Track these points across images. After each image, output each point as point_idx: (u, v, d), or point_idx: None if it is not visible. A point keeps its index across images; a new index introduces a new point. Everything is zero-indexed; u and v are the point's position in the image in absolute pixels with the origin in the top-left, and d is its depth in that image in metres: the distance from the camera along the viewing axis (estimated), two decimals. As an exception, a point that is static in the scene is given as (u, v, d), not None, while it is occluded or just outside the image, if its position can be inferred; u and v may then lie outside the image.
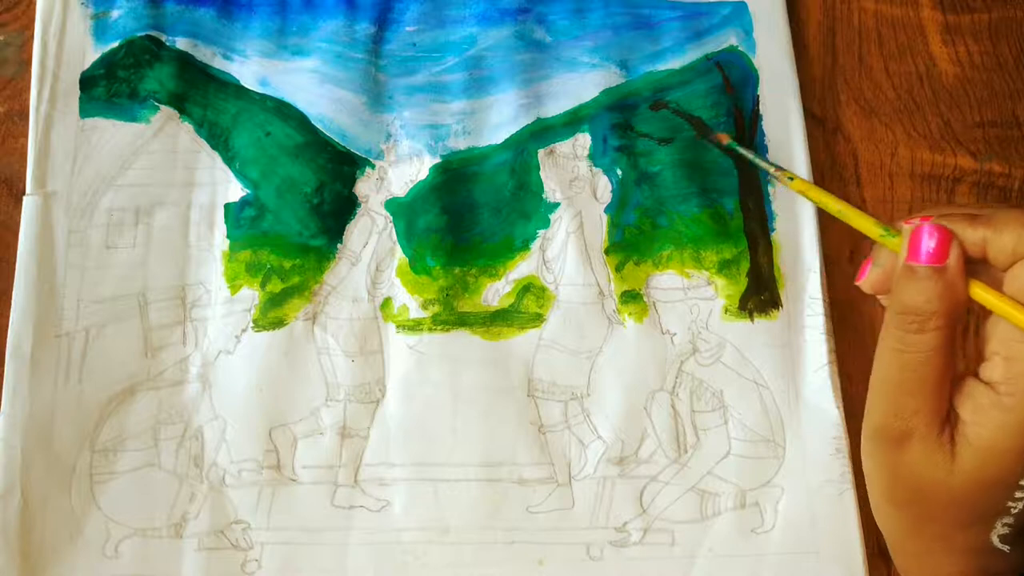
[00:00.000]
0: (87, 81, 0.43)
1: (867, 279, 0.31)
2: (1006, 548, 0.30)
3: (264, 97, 0.43)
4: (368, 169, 0.43)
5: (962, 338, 0.29)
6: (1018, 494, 0.29)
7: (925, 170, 0.45)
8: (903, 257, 0.29)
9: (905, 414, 0.30)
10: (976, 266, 0.29)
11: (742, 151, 0.37)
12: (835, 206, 0.32)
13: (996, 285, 0.28)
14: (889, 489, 0.32)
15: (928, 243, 0.28)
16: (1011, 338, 0.28)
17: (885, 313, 0.30)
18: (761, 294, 0.42)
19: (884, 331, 0.30)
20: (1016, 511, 0.29)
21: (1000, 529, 0.30)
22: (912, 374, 0.29)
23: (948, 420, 0.29)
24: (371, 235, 0.42)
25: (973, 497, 0.29)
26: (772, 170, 0.35)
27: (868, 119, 0.45)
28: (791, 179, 0.34)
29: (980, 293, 0.28)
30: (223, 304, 0.41)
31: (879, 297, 0.31)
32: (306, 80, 0.44)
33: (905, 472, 0.31)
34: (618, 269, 0.42)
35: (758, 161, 0.36)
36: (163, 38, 0.44)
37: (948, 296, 0.28)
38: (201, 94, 0.43)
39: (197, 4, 0.44)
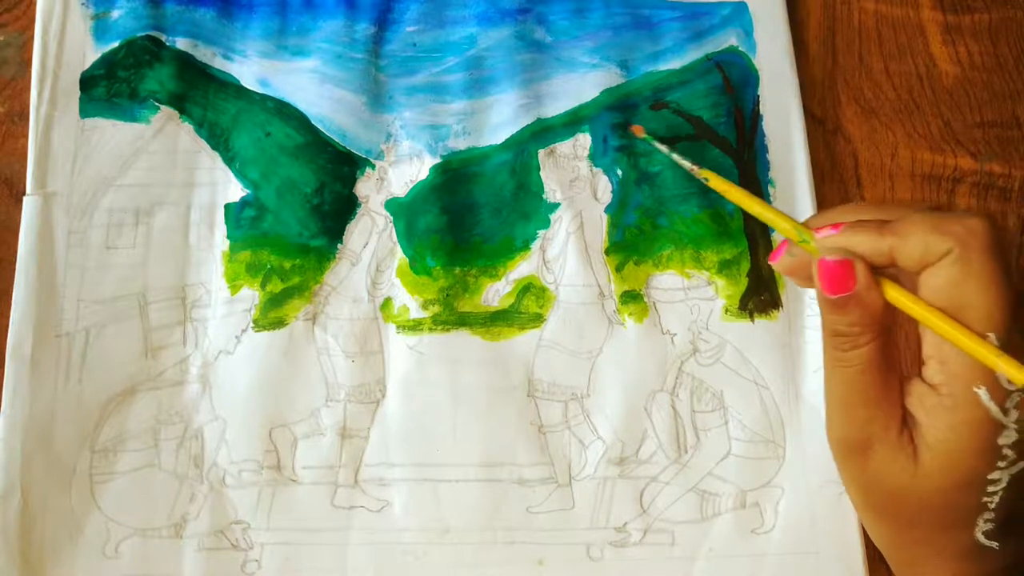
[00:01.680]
0: (87, 81, 0.43)
1: (780, 262, 0.32)
2: (994, 544, 0.30)
3: (264, 97, 0.43)
4: (368, 169, 0.43)
5: (906, 341, 0.31)
6: (990, 488, 0.29)
7: (925, 170, 0.45)
8: (816, 279, 0.30)
9: (860, 424, 0.31)
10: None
11: (657, 145, 0.37)
12: (755, 208, 0.33)
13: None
14: (864, 498, 0.33)
15: (833, 275, 0.29)
16: (940, 340, 0.28)
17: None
18: (761, 294, 0.42)
19: (823, 350, 0.31)
20: (994, 505, 0.29)
21: (983, 526, 0.30)
22: (855, 386, 0.30)
23: (905, 423, 0.30)
24: (371, 235, 0.42)
25: (945, 498, 0.30)
26: (688, 167, 0.35)
27: (868, 119, 0.45)
28: (707, 180, 0.34)
29: (896, 297, 0.29)
30: (223, 304, 0.41)
31: (788, 277, 0.33)
32: (306, 80, 0.44)
33: (874, 479, 0.31)
34: (618, 269, 0.42)
35: (674, 157, 0.35)
36: (163, 38, 0.44)
37: (866, 314, 0.29)
38: (201, 94, 0.43)
39: (197, 4, 0.44)
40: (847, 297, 0.29)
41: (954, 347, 0.28)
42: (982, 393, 0.28)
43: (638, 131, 0.39)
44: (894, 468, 0.30)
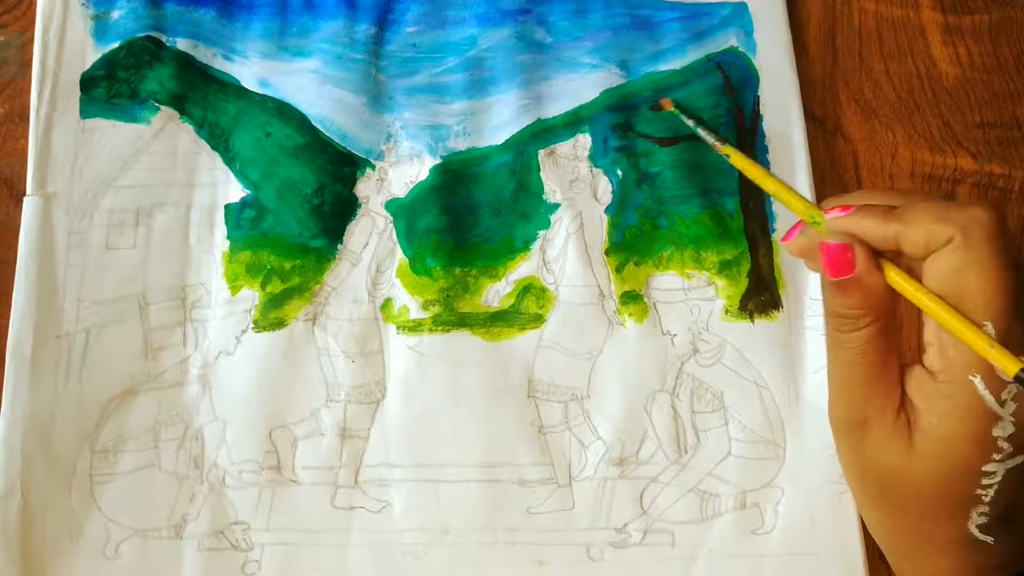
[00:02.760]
0: (87, 82, 0.43)
1: (792, 243, 0.33)
2: (989, 539, 0.30)
3: (264, 98, 0.43)
4: (368, 170, 0.43)
5: (911, 328, 0.31)
6: (984, 481, 0.29)
7: (925, 171, 0.45)
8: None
9: (858, 403, 0.31)
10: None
11: (684, 119, 0.38)
12: (772, 186, 0.34)
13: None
14: (860, 482, 0.33)
15: (834, 258, 0.30)
16: (941, 327, 0.29)
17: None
18: (761, 295, 0.42)
19: (826, 332, 0.32)
20: (988, 499, 0.29)
21: (977, 519, 0.30)
22: (854, 367, 0.31)
23: (903, 406, 0.31)
24: (371, 236, 0.42)
25: (937, 485, 0.30)
26: (711, 142, 0.36)
27: (868, 120, 0.45)
28: (728, 157, 0.35)
29: (896, 280, 0.30)
30: (223, 305, 0.41)
31: (800, 259, 0.34)
32: (306, 81, 0.44)
33: (870, 461, 0.32)
34: (618, 270, 0.42)
35: (699, 132, 0.37)
36: (163, 39, 0.44)
37: (865, 297, 0.30)
38: (201, 95, 0.43)
39: (197, 5, 0.44)
40: (848, 280, 0.30)
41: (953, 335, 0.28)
42: (977, 381, 0.28)
43: (666, 104, 0.40)
44: (889, 450, 0.30)
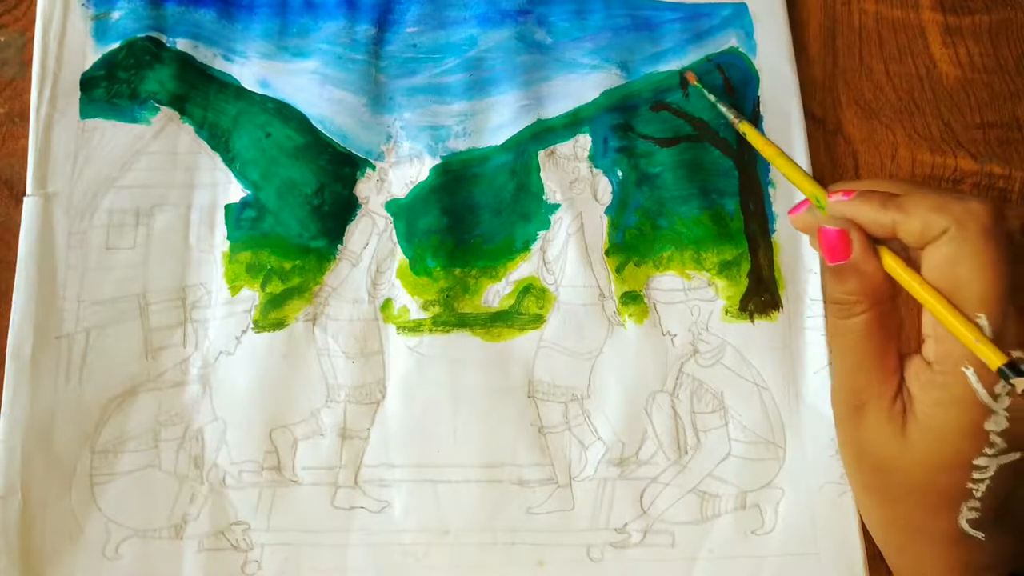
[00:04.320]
0: (87, 82, 0.43)
1: (799, 216, 0.34)
2: (980, 535, 0.30)
3: (264, 98, 0.43)
4: (368, 170, 0.43)
5: (915, 318, 0.32)
6: (975, 475, 0.29)
7: (925, 171, 0.45)
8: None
9: (856, 388, 0.32)
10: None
11: (706, 94, 0.40)
12: (784, 166, 0.35)
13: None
14: (857, 468, 0.34)
15: (831, 243, 0.31)
16: None
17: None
18: (762, 295, 0.42)
19: (826, 318, 0.34)
20: (979, 494, 0.29)
21: (968, 514, 0.30)
22: (852, 353, 0.31)
23: (900, 393, 0.31)
24: (371, 236, 0.42)
25: (928, 475, 0.30)
26: (731, 118, 0.38)
27: (868, 120, 0.45)
28: (744, 134, 0.37)
29: (892, 267, 0.30)
30: (223, 305, 0.41)
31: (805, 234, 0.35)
32: (306, 81, 0.44)
33: (865, 445, 0.32)
34: (618, 270, 0.42)
35: (720, 106, 0.39)
36: (163, 39, 0.44)
37: (862, 283, 0.30)
38: (202, 95, 0.43)
39: (198, 5, 0.44)
40: (844, 265, 0.30)
41: None
42: (970, 374, 0.28)
43: (691, 78, 0.41)
44: (883, 436, 0.31)
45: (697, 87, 0.40)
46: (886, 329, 0.31)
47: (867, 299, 0.30)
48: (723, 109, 0.37)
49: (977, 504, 0.30)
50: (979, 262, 0.28)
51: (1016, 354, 0.26)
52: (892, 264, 0.30)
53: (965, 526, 0.30)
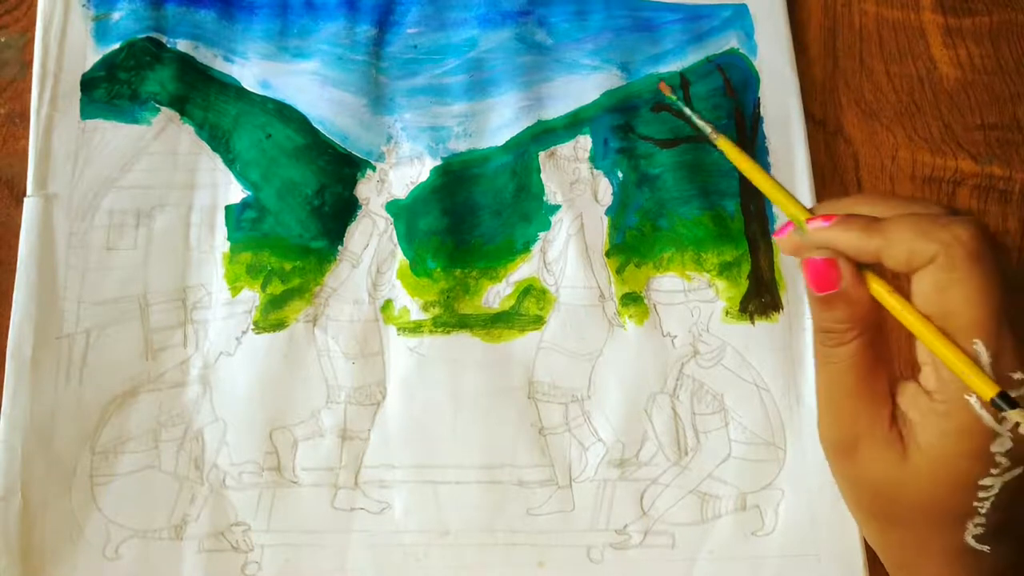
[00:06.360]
0: (88, 83, 0.43)
1: (785, 239, 0.32)
2: (985, 548, 0.30)
3: (265, 99, 0.43)
4: (369, 171, 0.43)
5: (903, 342, 0.31)
6: (981, 494, 0.29)
7: (926, 173, 0.45)
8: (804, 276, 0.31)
9: (847, 421, 0.31)
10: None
11: (683, 107, 0.36)
12: (763, 184, 0.32)
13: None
14: (855, 497, 0.33)
15: (818, 274, 0.30)
16: None
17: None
18: (762, 297, 0.42)
19: (813, 347, 0.32)
20: (984, 511, 0.29)
21: (973, 530, 0.30)
22: (842, 382, 0.31)
23: (895, 420, 0.30)
24: (372, 237, 0.42)
25: (933, 499, 0.30)
26: (709, 132, 0.34)
27: (869, 122, 0.45)
28: (719, 148, 0.34)
29: (880, 293, 0.29)
30: (224, 306, 0.41)
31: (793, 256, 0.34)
32: (307, 82, 0.44)
33: (862, 476, 0.31)
34: (619, 271, 0.42)
35: (694, 119, 0.35)
36: (164, 40, 0.44)
37: (851, 311, 0.30)
38: (202, 96, 0.43)
39: (198, 6, 0.44)
40: (833, 294, 0.30)
41: None
42: (973, 401, 0.27)
43: (664, 89, 0.39)
44: (881, 464, 0.30)
45: (671, 99, 0.38)
46: (876, 353, 0.30)
47: (857, 326, 0.30)
48: (699, 123, 0.35)
49: (983, 520, 0.29)
50: (969, 287, 0.27)
51: (1016, 375, 0.26)
52: (880, 291, 0.29)
53: (972, 542, 0.30)
